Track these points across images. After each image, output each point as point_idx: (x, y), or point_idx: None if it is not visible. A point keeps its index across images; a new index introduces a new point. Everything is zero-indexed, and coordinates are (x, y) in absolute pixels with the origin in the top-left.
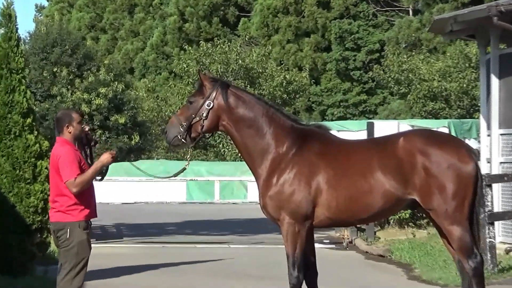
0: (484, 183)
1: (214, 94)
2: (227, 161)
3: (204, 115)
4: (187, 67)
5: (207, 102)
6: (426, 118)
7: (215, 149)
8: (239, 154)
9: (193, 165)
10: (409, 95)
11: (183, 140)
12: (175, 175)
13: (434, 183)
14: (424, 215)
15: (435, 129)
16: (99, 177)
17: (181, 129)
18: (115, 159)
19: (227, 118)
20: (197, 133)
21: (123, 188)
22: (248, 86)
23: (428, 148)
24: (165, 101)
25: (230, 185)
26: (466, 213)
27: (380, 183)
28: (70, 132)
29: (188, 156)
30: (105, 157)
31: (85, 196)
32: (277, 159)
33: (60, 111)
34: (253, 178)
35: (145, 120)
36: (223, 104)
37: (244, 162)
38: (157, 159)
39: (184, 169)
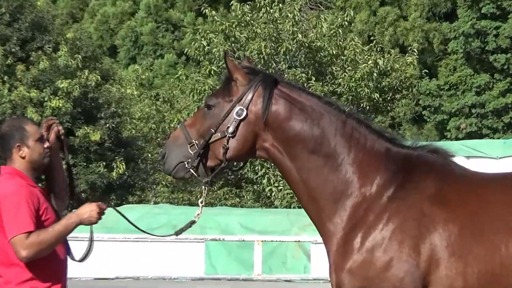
0: None
1: (250, 96)
2: (276, 207)
3: (231, 130)
4: (207, 46)
5: (238, 108)
6: None
7: (255, 187)
8: (296, 198)
9: (217, 215)
10: None
11: (192, 170)
12: (179, 232)
13: None
14: None
15: None
16: (78, 258)
17: (190, 152)
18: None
19: (273, 138)
20: (217, 160)
21: (99, 253)
22: (313, 80)
23: None
24: (170, 104)
25: (281, 250)
26: None
27: None
28: (23, 157)
29: (201, 200)
30: (87, 210)
31: (49, 266)
32: (362, 206)
33: (5, 124)
34: (319, 238)
35: (136, 136)
36: (266, 113)
37: (303, 211)
38: (156, 202)
39: (193, 222)
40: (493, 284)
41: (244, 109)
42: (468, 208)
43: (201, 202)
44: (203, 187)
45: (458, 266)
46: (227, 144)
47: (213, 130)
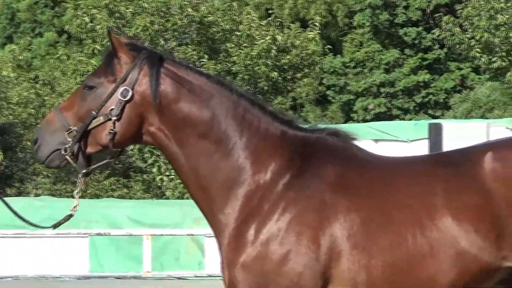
0: None
1: (135, 76)
2: (168, 199)
3: (116, 112)
4: (90, 22)
5: (122, 89)
6: None
7: (144, 177)
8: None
9: (103, 207)
10: (509, 73)
11: (69, 157)
12: (56, 225)
13: None
14: None
15: None
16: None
17: (68, 138)
18: None
19: (160, 121)
20: (99, 146)
21: None
22: (206, 58)
23: None
24: (50, 87)
25: (173, 244)
26: None
27: (450, 238)
28: None
29: (77, 191)
30: None
31: None
32: (256, 195)
33: None
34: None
35: (14, 122)
36: (155, 95)
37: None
38: (37, 195)
39: (70, 216)
40: (400, 276)
41: (130, 89)
42: (373, 196)
43: (77, 194)
44: (79, 177)
45: (361, 258)
46: (113, 128)
47: (94, 113)
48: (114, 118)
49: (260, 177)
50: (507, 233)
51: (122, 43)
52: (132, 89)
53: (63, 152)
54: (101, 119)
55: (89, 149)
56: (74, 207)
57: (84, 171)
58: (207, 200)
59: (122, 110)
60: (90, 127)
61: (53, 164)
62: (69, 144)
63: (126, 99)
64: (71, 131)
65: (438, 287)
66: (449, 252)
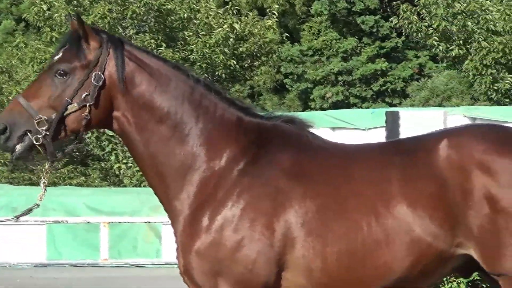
0: None
1: (104, 59)
2: (125, 187)
3: (90, 98)
4: (48, 10)
5: (95, 74)
6: (498, 103)
7: (102, 165)
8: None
9: (61, 195)
10: (466, 62)
11: (40, 147)
12: (19, 216)
13: (506, 226)
14: (491, 286)
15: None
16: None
17: (38, 128)
18: None
19: (124, 106)
20: (69, 132)
21: None
22: (164, 46)
23: (496, 159)
24: (8, 75)
25: (131, 232)
26: None
27: (406, 225)
28: None
29: (43, 180)
30: None
31: None
32: (211, 182)
33: None
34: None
35: None
36: (123, 78)
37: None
38: None
39: (36, 205)
40: (355, 264)
41: (101, 74)
42: (328, 183)
43: (43, 183)
44: (46, 165)
45: (316, 245)
46: (89, 114)
47: (69, 100)
48: (90, 103)
49: (215, 163)
50: (462, 221)
51: (90, 28)
52: (103, 73)
53: (34, 141)
54: (75, 105)
55: (60, 136)
56: (40, 197)
57: (55, 158)
58: (164, 187)
59: (97, 96)
60: (65, 114)
61: (22, 155)
62: (42, 134)
63: (99, 84)
64: (41, 120)
65: (393, 274)
66: (404, 239)
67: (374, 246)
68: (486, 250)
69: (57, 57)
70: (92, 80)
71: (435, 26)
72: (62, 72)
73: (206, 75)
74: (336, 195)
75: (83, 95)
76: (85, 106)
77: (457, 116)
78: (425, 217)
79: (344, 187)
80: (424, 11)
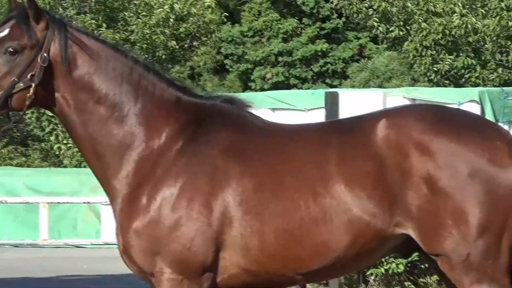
0: None
1: (50, 40)
2: (65, 167)
3: (37, 78)
4: None
5: (41, 54)
6: (438, 84)
7: (42, 145)
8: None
9: (1, 176)
10: (406, 43)
11: None
12: None
13: (444, 206)
14: (430, 266)
15: (450, 106)
16: None
17: None
18: None
19: (64, 87)
20: (9, 110)
21: None
22: (104, 27)
23: (434, 140)
24: None
25: (71, 213)
26: (506, 261)
27: (343, 205)
28: None
29: None
30: None
31: None
32: (150, 161)
33: None
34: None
35: None
36: (67, 59)
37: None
38: None
39: None
40: (293, 243)
41: (47, 55)
42: (266, 162)
43: None
44: None
45: (254, 224)
46: (33, 94)
47: (16, 79)
48: (35, 84)
49: (154, 142)
50: (400, 201)
51: (40, 8)
52: (48, 54)
53: None
54: (21, 85)
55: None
56: None
57: None
58: (102, 167)
59: (41, 76)
60: (13, 92)
61: None
62: None
63: (45, 65)
64: None
65: (331, 253)
66: (342, 218)
67: (312, 225)
68: (425, 230)
69: (3, 34)
70: (39, 61)
71: (375, 7)
72: (12, 51)
73: (146, 56)
74: (274, 174)
75: (29, 75)
76: (30, 86)
77: (396, 97)
78: (363, 196)
79: (282, 166)
80: None
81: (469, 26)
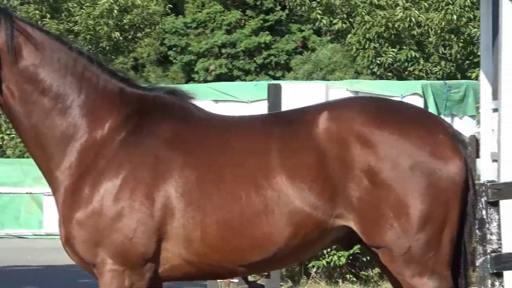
0: (483, 198)
1: None
2: (8, 157)
3: None
4: None
5: None
6: (381, 77)
7: None
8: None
9: None
10: (349, 35)
11: None
12: None
13: (385, 198)
14: (372, 259)
15: (392, 98)
16: None
17: None
18: None
19: (8, 78)
20: None
21: None
22: (48, 17)
23: (375, 132)
24: None
25: (13, 203)
26: (447, 254)
27: (285, 197)
28: None
29: None
30: None
31: None
32: (92, 152)
33: None
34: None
35: None
36: (9, 48)
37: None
38: None
39: None
40: (235, 235)
41: None
42: (208, 153)
43: None
44: None
45: (195, 215)
46: None
47: None
48: None
49: (97, 133)
50: (342, 192)
51: None
52: None
53: None
54: None
55: None
56: None
57: None
58: (45, 158)
59: None
60: None
61: None
62: None
63: None
64: None
65: (273, 245)
66: (283, 210)
67: (253, 216)
68: (366, 223)
69: None
70: None
71: None
72: None
73: (90, 47)
74: (215, 166)
75: None
76: None
77: (339, 90)
78: (304, 188)
79: (224, 158)
80: None
81: (413, 19)
